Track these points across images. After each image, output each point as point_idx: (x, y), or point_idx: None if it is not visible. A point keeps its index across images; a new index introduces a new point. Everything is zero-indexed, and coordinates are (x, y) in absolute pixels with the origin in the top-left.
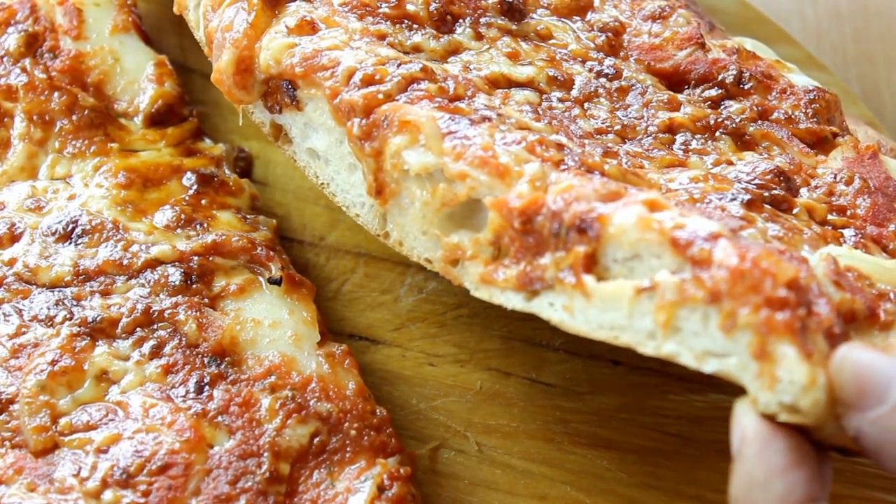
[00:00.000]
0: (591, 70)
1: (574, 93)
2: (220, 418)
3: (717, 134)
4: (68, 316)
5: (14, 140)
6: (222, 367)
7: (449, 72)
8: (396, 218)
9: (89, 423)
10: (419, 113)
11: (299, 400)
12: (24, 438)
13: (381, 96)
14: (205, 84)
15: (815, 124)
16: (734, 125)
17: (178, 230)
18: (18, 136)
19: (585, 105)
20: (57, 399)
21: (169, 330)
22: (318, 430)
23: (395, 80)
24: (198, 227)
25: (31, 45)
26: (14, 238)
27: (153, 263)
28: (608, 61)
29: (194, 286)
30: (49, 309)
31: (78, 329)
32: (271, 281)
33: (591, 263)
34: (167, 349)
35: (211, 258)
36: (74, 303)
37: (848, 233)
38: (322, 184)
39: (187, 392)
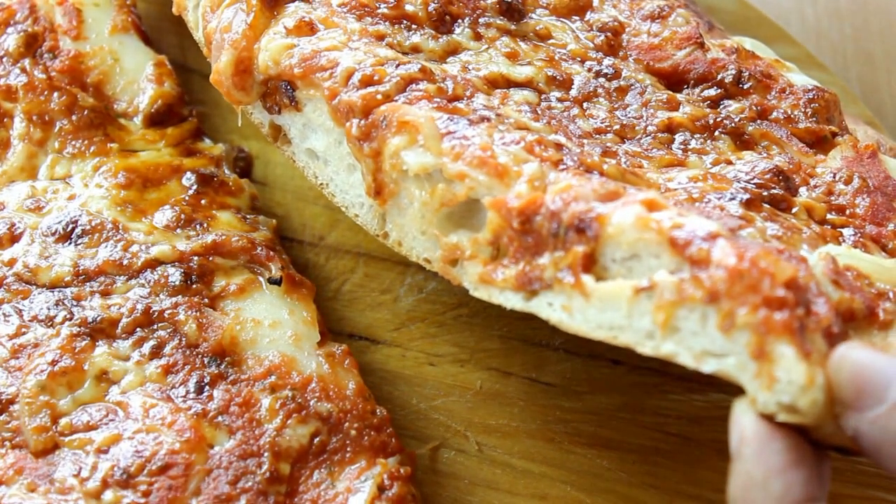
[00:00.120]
0: (590, 70)
1: (573, 93)
2: (220, 418)
3: (716, 133)
4: (68, 316)
5: (14, 140)
6: (222, 367)
7: (448, 72)
8: (395, 218)
9: (89, 423)
10: (418, 113)
11: (299, 400)
12: (25, 439)
13: (379, 97)
14: (204, 84)
15: (815, 124)
16: (733, 125)
17: (178, 230)
18: (18, 136)
19: (584, 105)
20: (57, 399)
21: (169, 330)
22: (318, 430)
23: (394, 80)
24: (198, 227)
25: (31, 45)
26: (14, 238)
27: (153, 263)
28: (607, 61)
29: (194, 286)
30: (49, 309)
31: (78, 329)
32: (271, 281)
33: (590, 263)
34: (167, 349)
35: (211, 258)
36: (74, 303)
37: (847, 232)
38: (321, 184)
39: (187, 392)
